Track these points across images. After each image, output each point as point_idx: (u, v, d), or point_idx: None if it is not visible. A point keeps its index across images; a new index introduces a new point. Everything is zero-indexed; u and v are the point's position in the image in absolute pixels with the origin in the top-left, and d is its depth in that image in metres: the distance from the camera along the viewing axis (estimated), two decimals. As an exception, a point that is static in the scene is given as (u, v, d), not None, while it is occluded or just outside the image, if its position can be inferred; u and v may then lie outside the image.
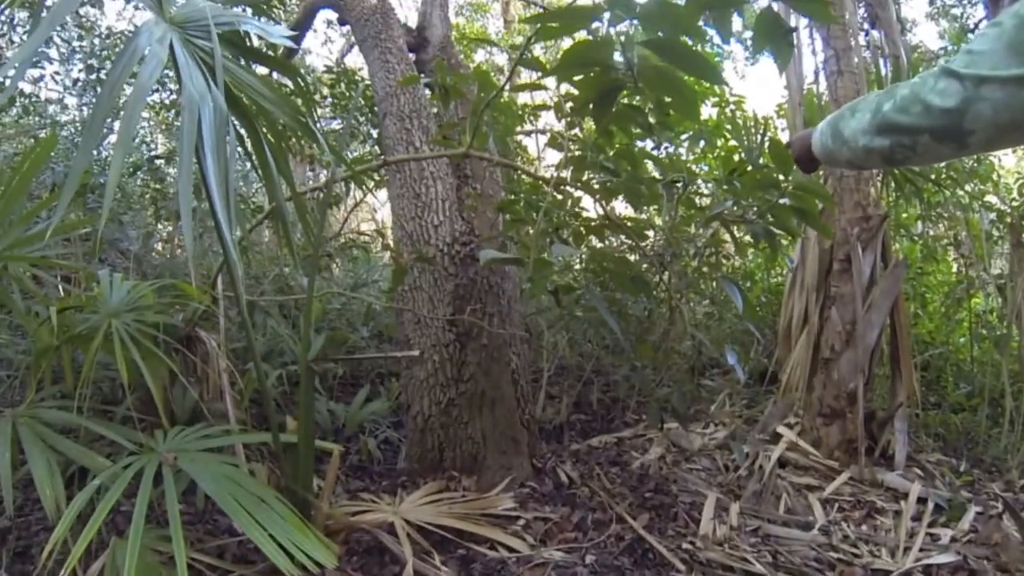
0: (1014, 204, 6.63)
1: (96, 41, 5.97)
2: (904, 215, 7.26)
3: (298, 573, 1.92)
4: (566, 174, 2.69)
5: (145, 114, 7.55)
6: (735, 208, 2.62)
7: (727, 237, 2.98)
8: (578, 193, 2.77)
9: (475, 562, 2.59)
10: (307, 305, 2.50)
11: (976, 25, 11.32)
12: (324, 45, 16.24)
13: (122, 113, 1.82)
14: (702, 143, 4.40)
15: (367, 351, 4.57)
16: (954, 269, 7.16)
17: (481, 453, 3.20)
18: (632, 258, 3.04)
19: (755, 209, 2.57)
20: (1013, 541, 2.99)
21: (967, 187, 6.81)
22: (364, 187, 4.81)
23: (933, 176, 6.24)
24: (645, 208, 3.14)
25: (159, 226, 5.84)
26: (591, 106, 2.27)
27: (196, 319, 2.91)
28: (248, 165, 7.36)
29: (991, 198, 7.06)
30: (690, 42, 1.95)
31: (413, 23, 4.61)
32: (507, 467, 3.23)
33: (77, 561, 1.73)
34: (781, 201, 2.52)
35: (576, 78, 2.18)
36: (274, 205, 2.34)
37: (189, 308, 2.92)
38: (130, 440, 2.25)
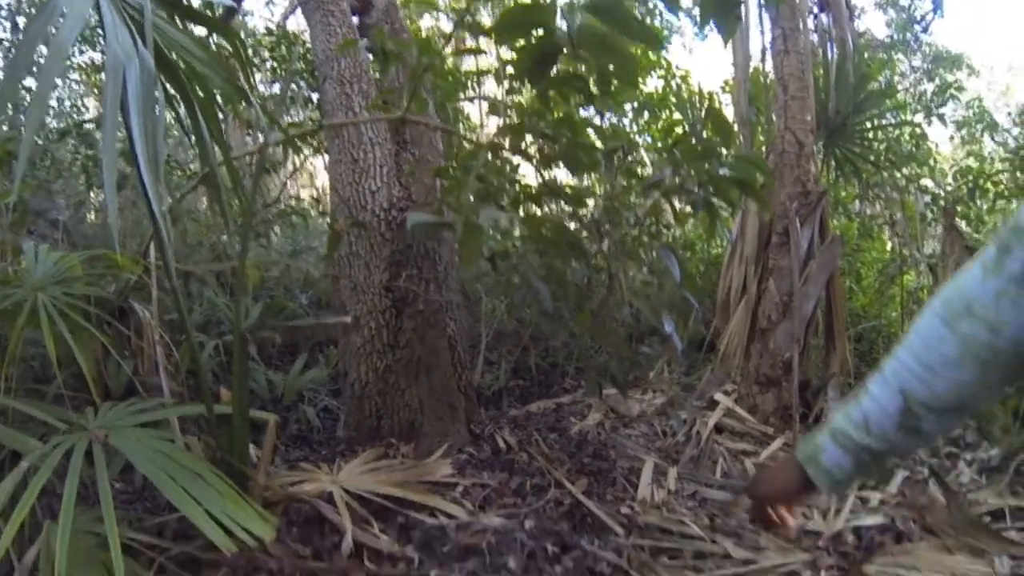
0: (948, 189, 6.87)
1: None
2: (843, 194, 7.44)
3: (234, 548, 1.89)
4: (504, 140, 2.66)
5: (75, 76, 7.22)
6: (675, 178, 2.63)
7: (667, 207, 2.99)
8: (517, 160, 2.75)
9: (414, 529, 2.57)
10: (240, 271, 2.43)
11: (923, 17, 11.60)
12: (267, 6, 15.60)
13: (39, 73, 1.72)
14: (647, 115, 4.43)
15: (306, 319, 4.48)
16: (888, 248, 7.38)
17: (418, 420, 3.18)
18: (572, 226, 3.03)
19: (695, 180, 2.59)
20: (939, 504, 3.11)
21: (904, 170, 7.01)
22: (302, 153, 4.69)
23: (872, 158, 6.40)
24: (586, 177, 3.14)
25: (91, 195, 5.61)
26: (530, 71, 2.24)
27: (128, 290, 2.80)
28: (183, 131, 7.13)
29: (927, 182, 7.28)
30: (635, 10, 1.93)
31: (358, -15, 4.46)
32: (444, 434, 3.22)
33: (10, 546, 1.66)
34: (721, 172, 2.54)
35: (518, 44, 2.15)
36: (206, 171, 2.26)
37: (121, 279, 2.81)
38: (61, 420, 2.14)
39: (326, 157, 4.00)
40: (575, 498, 2.91)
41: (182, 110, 2.04)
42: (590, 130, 2.77)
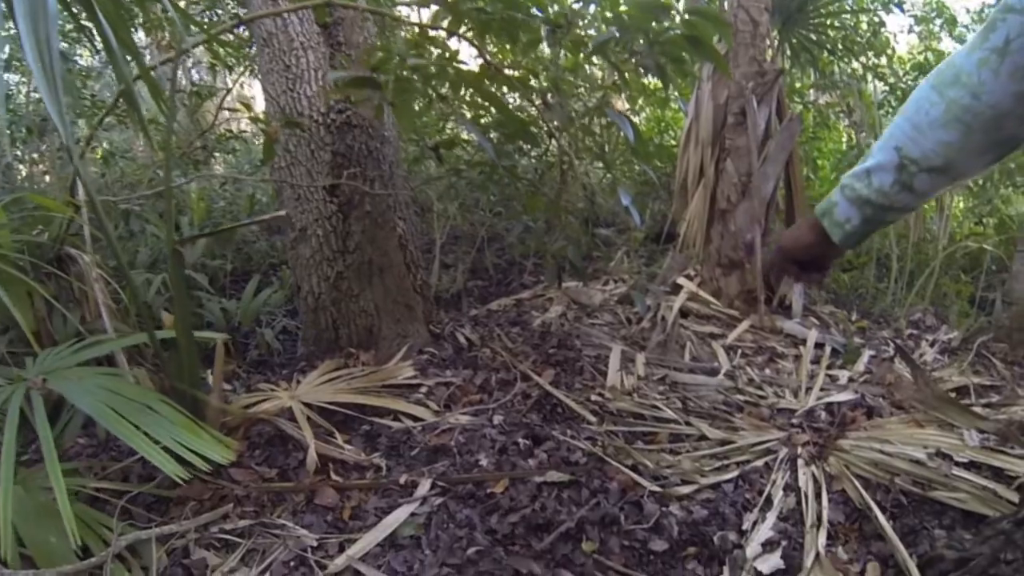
0: (906, 77, 6.78)
1: None
2: (798, 84, 7.33)
3: (186, 475, 1.82)
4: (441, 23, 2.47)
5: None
6: (623, 44, 2.46)
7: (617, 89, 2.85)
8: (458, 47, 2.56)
9: (380, 436, 2.50)
10: (166, 191, 2.23)
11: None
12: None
13: None
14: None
15: (256, 244, 4.34)
16: (845, 140, 7.34)
17: (376, 325, 3.09)
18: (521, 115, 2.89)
19: (644, 42, 2.42)
20: (905, 381, 3.13)
21: (862, 59, 6.90)
22: (234, 71, 4.41)
23: (829, 46, 6.27)
24: (530, 58, 2.96)
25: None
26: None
27: (63, 236, 2.59)
28: (95, 61, 6.72)
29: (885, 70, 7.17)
30: None
31: None
32: (403, 335, 3.14)
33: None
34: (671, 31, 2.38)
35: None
36: (123, 87, 2.03)
37: (54, 224, 2.60)
38: (4, 378, 2.00)
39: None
40: (543, 389, 2.85)
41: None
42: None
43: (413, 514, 2.05)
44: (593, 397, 2.82)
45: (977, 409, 2.91)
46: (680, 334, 3.49)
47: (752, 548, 2.03)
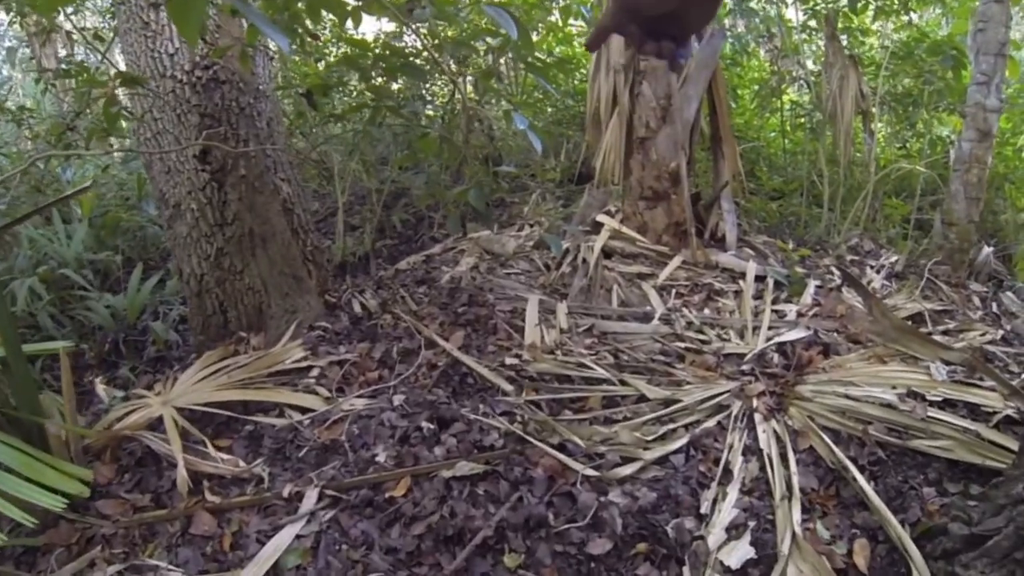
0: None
1: None
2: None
3: (33, 520, 1.60)
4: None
5: None
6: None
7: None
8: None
9: (264, 437, 2.13)
10: None
11: None
12: None
13: None
14: None
15: (150, 230, 3.93)
16: (768, 67, 7.04)
17: (265, 302, 2.75)
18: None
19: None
20: (858, 312, 2.83)
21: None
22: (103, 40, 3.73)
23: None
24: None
25: None
26: None
27: None
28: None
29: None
30: None
31: None
32: (292, 311, 2.78)
33: None
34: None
35: None
36: None
37: None
38: None
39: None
40: (451, 356, 2.42)
41: None
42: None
43: (299, 536, 1.74)
44: (509, 360, 2.39)
45: (937, 338, 2.62)
46: (605, 277, 3.06)
47: (715, 536, 1.65)
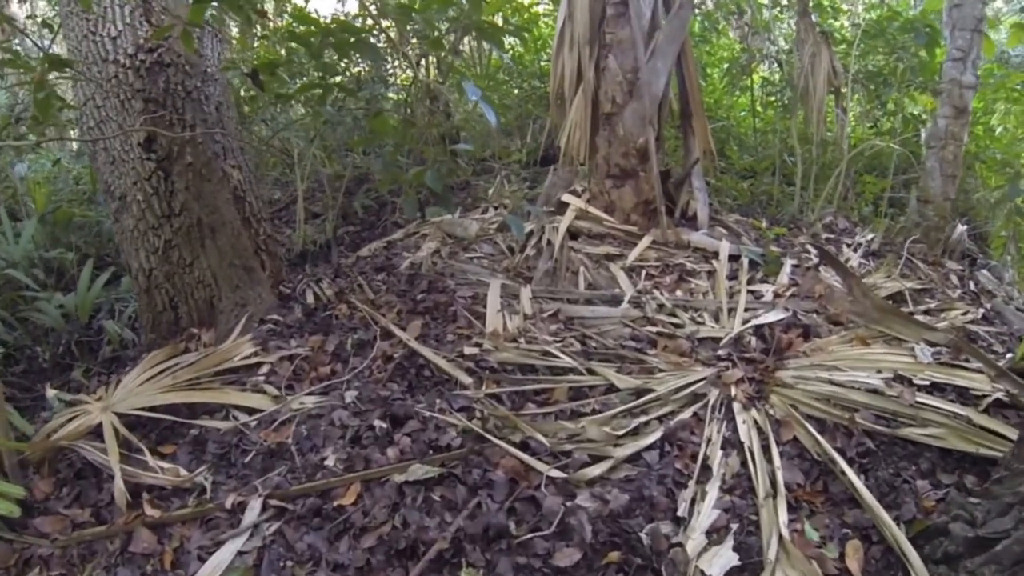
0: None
1: None
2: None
3: None
4: None
5: None
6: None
7: None
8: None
9: (208, 441, 1.99)
10: None
11: None
12: None
13: None
14: None
15: (106, 225, 3.64)
16: (738, 46, 6.90)
17: (216, 296, 2.63)
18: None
19: None
20: (837, 291, 2.70)
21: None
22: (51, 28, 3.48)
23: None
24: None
25: None
26: None
27: None
28: None
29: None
30: None
31: None
32: (242, 303, 2.64)
33: None
34: None
35: None
36: None
37: None
38: None
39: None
40: (408, 347, 2.24)
41: None
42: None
43: (241, 552, 1.58)
44: (469, 350, 2.23)
45: (919, 318, 2.50)
46: (571, 259, 2.90)
47: (694, 542, 1.49)
